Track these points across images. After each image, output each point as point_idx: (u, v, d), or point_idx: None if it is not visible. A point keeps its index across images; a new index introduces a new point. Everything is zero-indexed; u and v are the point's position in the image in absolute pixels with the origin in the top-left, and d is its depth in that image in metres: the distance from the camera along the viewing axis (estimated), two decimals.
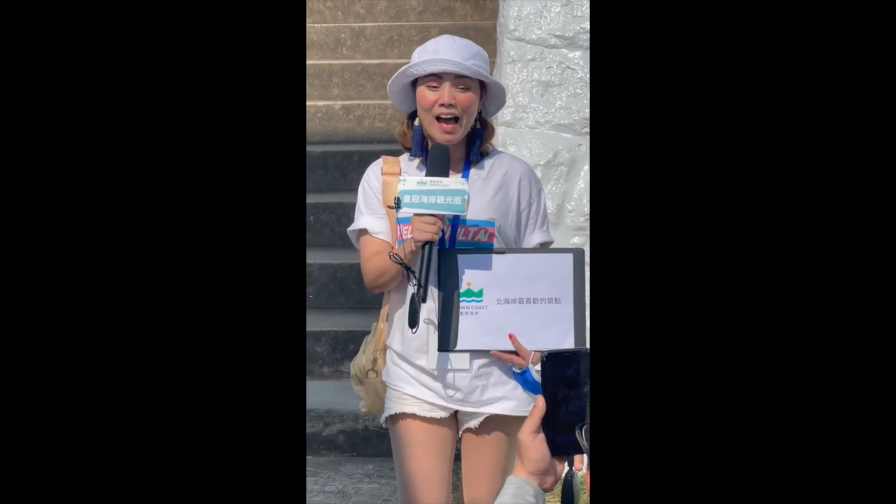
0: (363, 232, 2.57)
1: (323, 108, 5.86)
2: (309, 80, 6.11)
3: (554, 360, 1.42)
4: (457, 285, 2.44)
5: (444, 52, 2.40)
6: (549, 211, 4.07)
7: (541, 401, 1.41)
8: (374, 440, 4.02)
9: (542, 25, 4.14)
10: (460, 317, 2.45)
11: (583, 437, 1.25)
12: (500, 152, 2.65)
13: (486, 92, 2.50)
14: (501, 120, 4.18)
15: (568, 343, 2.44)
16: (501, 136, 4.18)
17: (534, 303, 2.47)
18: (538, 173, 4.14)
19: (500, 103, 2.58)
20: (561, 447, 1.41)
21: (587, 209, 4.05)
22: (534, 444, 1.41)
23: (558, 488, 1.47)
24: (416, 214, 2.37)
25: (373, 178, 2.58)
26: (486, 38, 5.70)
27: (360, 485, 3.80)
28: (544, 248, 2.60)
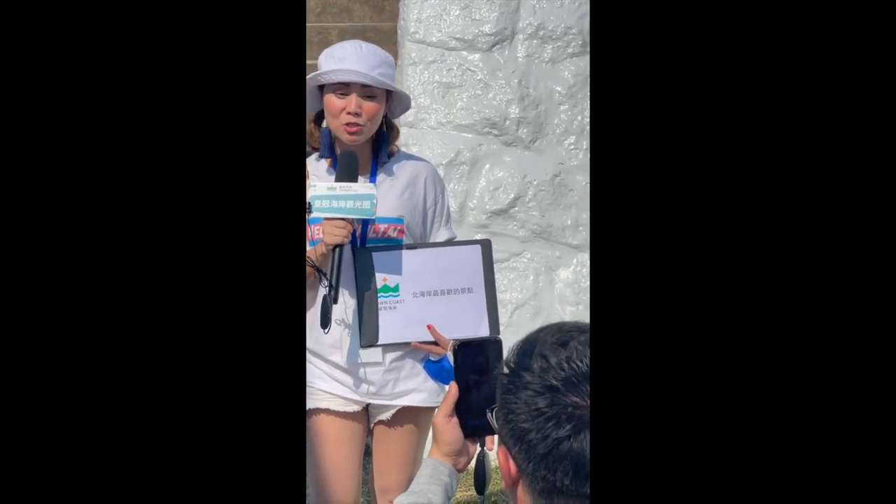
0: None
1: None
2: None
3: (465, 349, 1.51)
4: (373, 282, 2.53)
5: (350, 60, 2.48)
6: (451, 209, 4.18)
7: (454, 387, 1.50)
8: None
9: (441, 28, 4.24)
10: (380, 312, 2.53)
11: (493, 420, 1.34)
12: (404, 153, 2.74)
13: (391, 96, 2.58)
14: (404, 121, 4.27)
15: (483, 330, 2.55)
16: (404, 137, 4.27)
17: (448, 294, 2.57)
18: (441, 172, 4.26)
19: (406, 107, 2.66)
20: (473, 430, 1.50)
21: (489, 207, 4.16)
22: (448, 428, 1.50)
23: (472, 468, 1.57)
24: (326, 218, 2.45)
25: None
26: (386, 39, 5.76)
27: None
28: (454, 241, 2.70)
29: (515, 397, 1.22)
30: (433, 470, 1.50)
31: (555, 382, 1.20)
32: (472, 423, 1.49)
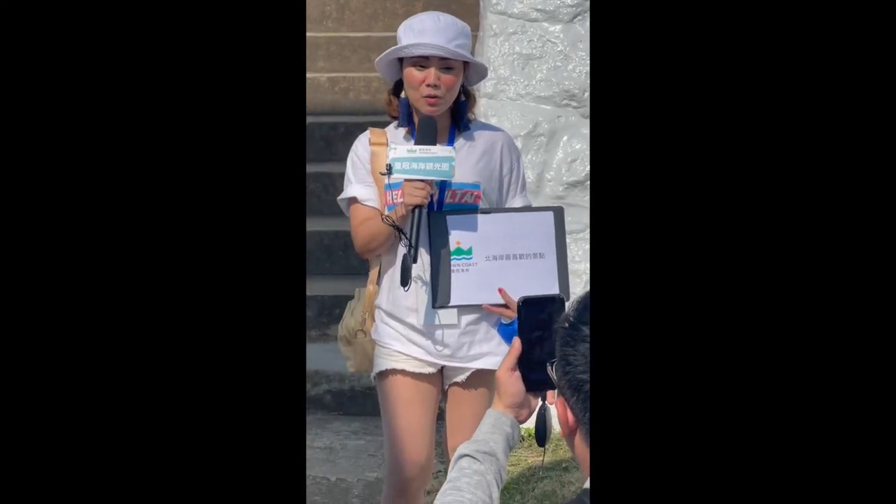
0: (353, 200, 2.72)
1: (309, 80, 5.96)
2: None
3: (529, 305, 1.57)
4: (447, 244, 2.60)
5: (429, 33, 2.54)
6: (529, 180, 4.21)
7: (517, 341, 1.56)
8: (359, 399, 4.17)
9: (523, 0, 4.27)
10: (452, 274, 2.60)
11: (553, 373, 1.40)
12: (481, 122, 2.80)
13: (468, 65, 2.64)
14: (483, 92, 4.31)
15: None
16: (483, 108, 4.31)
17: (520, 258, 2.63)
18: (518, 144, 4.29)
19: (482, 75, 2.72)
20: (535, 383, 1.56)
21: (566, 178, 4.19)
22: (510, 381, 1.56)
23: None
24: (406, 180, 2.52)
25: (361, 148, 2.72)
26: (469, 11, 5.80)
27: (346, 441, 3.94)
28: (527, 207, 2.76)
29: (573, 349, 1.28)
30: (495, 420, 1.56)
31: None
32: (534, 377, 1.55)
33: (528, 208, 2.75)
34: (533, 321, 1.55)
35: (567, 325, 1.31)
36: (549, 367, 1.42)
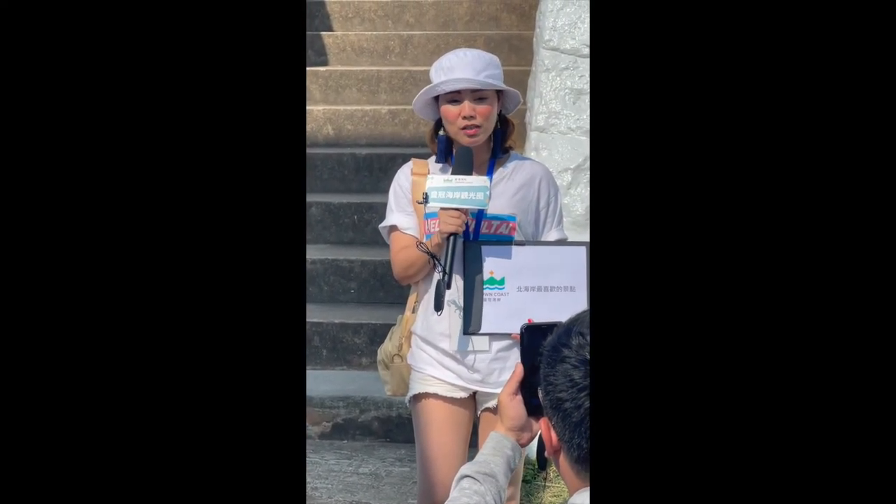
0: (393, 228, 2.80)
1: (370, 112, 6.10)
2: (357, 86, 6.36)
3: (531, 332, 1.62)
4: (481, 273, 2.67)
5: (458, 69, 2.63)
6: (578, 213, 4.26)
7: (519, 367, 1.61)
8: (406, 427, 4.22)
9: (575, 36, 4.33)
10: (484, 302, 2.66)
11: (541, 395, 1.44)
12: (520, 155, 2.87)
13: (503, 94, 2.71)
14: (535, 125, 4.38)
15: None
16: (534, 141, 4.38)
17: (551, 291, 2.68)
18: (568, 177, 4.34)
19: (517, 102, 2.79)
20: (536, 408, 1.60)
21: None
22: (512, 405, 1.61)
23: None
24: (442, 208, 2.60)
25: (403, 178, 2.81)
26: (530, 47, 5.88)
27: (391, 468, 4.00)
28: (560, 241, 2.81)
29: (553, 370, 1.33)
30: (496, 443, 1.61)
31: (589, 356, 1.30)
32: (535, 402, 1.59)
33: (560, 242, 2.80)
34: (535, 348, 1.59)
35: (549, 348, 1.37)
36: (539, 391, 1.47)
